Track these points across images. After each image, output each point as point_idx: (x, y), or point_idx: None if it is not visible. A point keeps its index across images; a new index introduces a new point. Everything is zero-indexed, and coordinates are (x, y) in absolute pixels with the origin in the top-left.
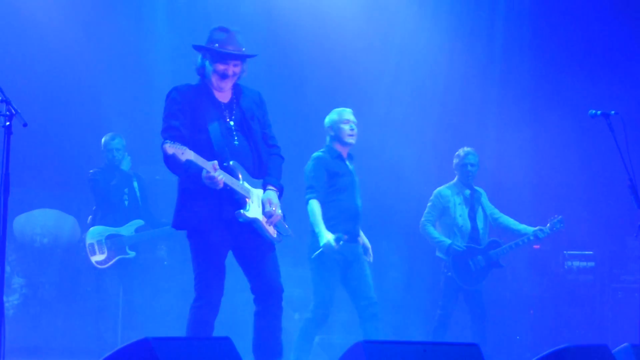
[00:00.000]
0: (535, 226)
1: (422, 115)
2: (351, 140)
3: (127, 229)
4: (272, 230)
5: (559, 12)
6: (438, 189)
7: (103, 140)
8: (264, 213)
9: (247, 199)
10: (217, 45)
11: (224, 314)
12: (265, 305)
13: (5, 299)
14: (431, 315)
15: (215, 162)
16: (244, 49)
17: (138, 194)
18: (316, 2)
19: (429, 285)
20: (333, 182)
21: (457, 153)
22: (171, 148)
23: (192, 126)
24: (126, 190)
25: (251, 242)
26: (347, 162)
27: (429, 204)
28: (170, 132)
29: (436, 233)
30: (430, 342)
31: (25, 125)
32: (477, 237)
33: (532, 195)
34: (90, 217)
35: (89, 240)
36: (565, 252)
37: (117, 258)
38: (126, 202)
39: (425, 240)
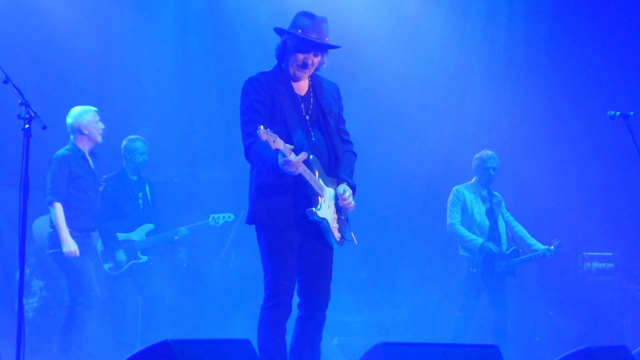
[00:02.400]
0: (548, 231)
1: (438, 115)
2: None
3: (138, 234)
4: (337, 234)
5: (578, 12)
6: (455, 187)
7: (124, 142)
8: (328, 206)
9: (319, 197)
10: (299, 31)
11: (242, 315)
12: (310, 311)
13: (24, 301)
14: (451, 316)
15: (303, 153)
16: (327, 39)
17: (150, 197)
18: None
19: (449, 286)
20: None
21: (477, 155)
22: (265, 134)
23: (270, 118)
24: (140, 195)
25: (313, 244)
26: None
27: (449, 205)
28: (255, 126)
29: (466, 232)
30: (449, 343)
31: (44, 128)
32: (499, 239)
33: (551, 196)
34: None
35: (100, 247)
36: (584, 253)
37: (129, 263)
38: (141, 207)
39: (445, 240)
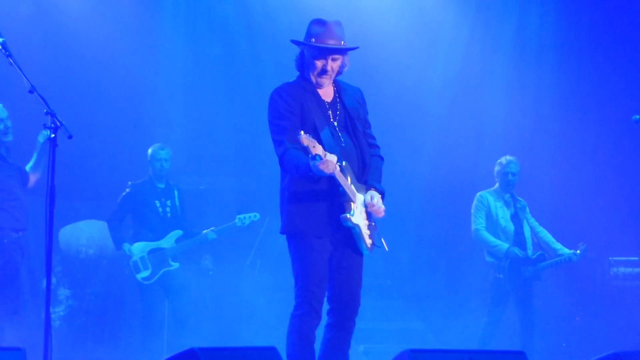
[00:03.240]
0: (574, 236)
1: (461, 120)
2: None
3: (167, 241)
4: (368, 241)
5: (605, 15)
6: (479, 192)
7: (150, 150)
8: (359, 213)
9: (352, 203)
10: (313, 40)
11: (268, 323)
12: (340, 318)
13: (51, 310)
14: (478, 322)
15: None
16: (343, 42)
17: (178, 204)
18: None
19: (475, 292)
20: None
21: (498, 161)
22: (306, 139)
23: (301, 126)
24: (168, 202)
25: (344, 250)
26: None
27: (473, 211)
28: (288, 135)
29: (492, 237)
30: (476, 349)
31: (70, 137)
32: (524, 244)
33: (577, 201)
34: (131, 231)
35: (132, 258)
36: (610, 258)
37: (162, 271)
38: (169, 214)
39: (470, 246)
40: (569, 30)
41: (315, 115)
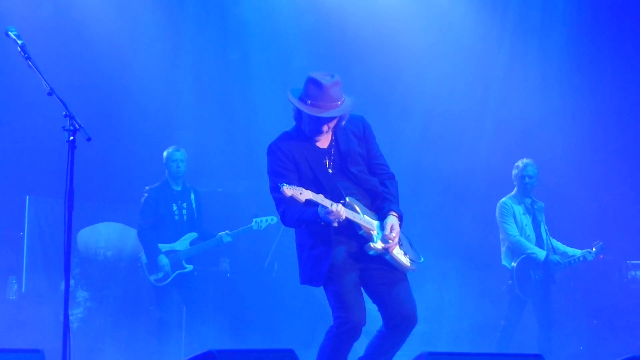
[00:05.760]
0: (591, 239)
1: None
2: None
3: (182, 243)
4: (404, 260)
5: (620, 14)
6: (501, 200)
7: (166, 152)
8: (382, 238)
9: (372, 231)
10: (309, 102)
11: (286, 325)
12: (394, 331)
13: (69, 312)
14: (495, 325)
15: (341, 204)
16: (339, 102)
17: (194, 206)
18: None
19: (493, 295)
20: None
21: (516, 164)
22: (289, 189)
23: (298, 179)
24: (185, 205)
25: (378, 272)
26: None
27: (501, 219)
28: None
29: (529, 244)
30: (494, 353)
31: (89, 139)
32: (544, 248)
33: (594, 203)
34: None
35: (144, 260)
36: (628, 261)
37: (175, 273)
38: (185, 217)
39: (488, 249)
40: (588, 30)
41: (312, 166)
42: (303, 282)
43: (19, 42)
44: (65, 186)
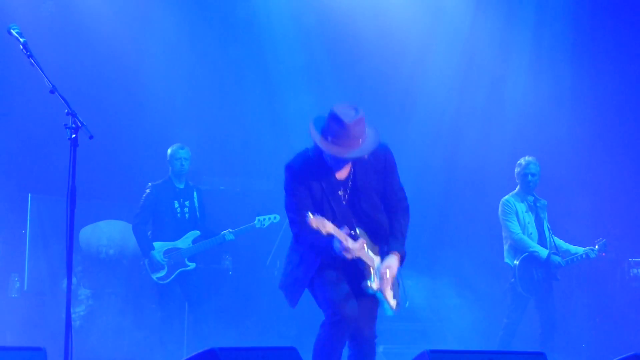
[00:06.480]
0: (593, 237)
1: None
2: None
3: (184, 241)
4: (392, 302)
5: (625, 14)
6: (504, 198)
7: (170, 150)
8: (378, 277)
9: (371, 269)
10: (330, 139)
11: (288, 323)
12: (357, 349)
13: (72, 310)
14: (498, 323)
15: (361, 240)
16: (361, 140)
17: (197, 204)
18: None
19: (495, 293)
20: None
21: (518, 162)
22: (315, 221)
23: (313, 205)
24: (187, 203)
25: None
26: None
27: (504, 217)
28: (299, 214)
29: (532, 242)
30: (496, 350)
31: (91, 137)
32: (546, 246)
33: (596, 201)
34: (149, 231)
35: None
36: (630, 259)
37: (177, 272)
38: (187, 215)
39: (489, 247)
40: (588, 27)
41: (327, 195)
42: (280, 288)
43: (21, 40)
44: (68, 184)
